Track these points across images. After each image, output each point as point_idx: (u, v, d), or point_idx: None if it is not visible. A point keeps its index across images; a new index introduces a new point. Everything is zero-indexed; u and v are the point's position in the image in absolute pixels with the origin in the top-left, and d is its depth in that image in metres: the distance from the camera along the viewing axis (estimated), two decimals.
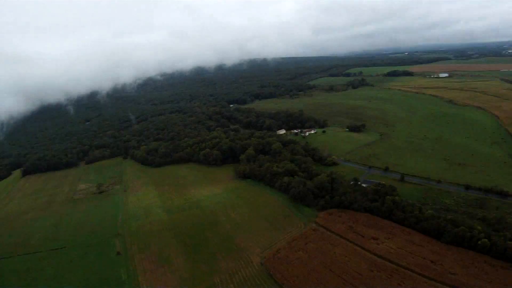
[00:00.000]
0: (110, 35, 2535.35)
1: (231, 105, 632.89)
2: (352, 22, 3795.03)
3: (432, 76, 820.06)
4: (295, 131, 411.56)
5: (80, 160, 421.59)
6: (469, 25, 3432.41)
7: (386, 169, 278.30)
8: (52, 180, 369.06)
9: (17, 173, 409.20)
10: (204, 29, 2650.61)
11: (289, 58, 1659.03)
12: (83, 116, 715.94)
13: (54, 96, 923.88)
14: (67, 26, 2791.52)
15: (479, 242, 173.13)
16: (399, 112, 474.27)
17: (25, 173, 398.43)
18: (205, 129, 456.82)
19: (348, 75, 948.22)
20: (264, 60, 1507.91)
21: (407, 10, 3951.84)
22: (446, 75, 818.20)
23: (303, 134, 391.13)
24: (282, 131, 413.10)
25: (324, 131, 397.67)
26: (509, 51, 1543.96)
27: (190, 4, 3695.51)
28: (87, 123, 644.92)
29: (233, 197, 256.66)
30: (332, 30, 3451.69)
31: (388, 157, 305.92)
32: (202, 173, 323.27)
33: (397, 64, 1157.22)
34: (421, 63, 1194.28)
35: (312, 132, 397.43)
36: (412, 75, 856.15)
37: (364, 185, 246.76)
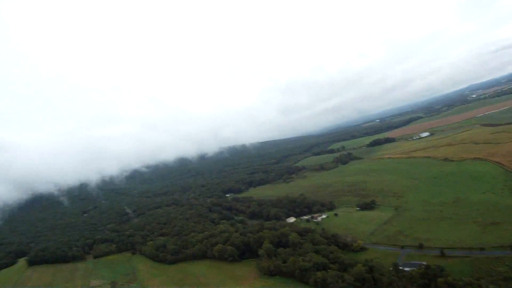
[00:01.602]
0: (83, 127, 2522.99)
1: (227, 195, 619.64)
2: (314, 99, 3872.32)
3: (414, 138, 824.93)
4: (306, 217, 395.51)
5: (86, 254, 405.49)
6: (426, 80, 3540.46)
7: (421, 246, 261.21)
8: (61, 274, 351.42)
9: (22, 262, 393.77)
10: (174, 120, 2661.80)
11: (267, 142, 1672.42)
12: (78, 207, 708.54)
13: (43, 186, 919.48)
14: (36, 117, 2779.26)
15: None
16: (401, 181, 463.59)
17: (31, 263, 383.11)
18: (209, 222, 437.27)
19: (332, 151, 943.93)
20: (243, 146, 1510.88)
21: (362, 78, 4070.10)
22: (427, 134, 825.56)
23: (315, 220, 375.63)
24: (292, 219, 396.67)
25: (336, 214, 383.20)
26: (473, 95, 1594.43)
27: (154, 96, 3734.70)
28: (85, 215, 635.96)
29: None
30: (298, 109, 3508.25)
31: (415, 232, 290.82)
32: (222, 271, 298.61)
33: (374, 132, 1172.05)
34: (396, 127, 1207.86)
35: (324, 216, 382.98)
36: (395, 141, 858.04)
37: (406, 269, 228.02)
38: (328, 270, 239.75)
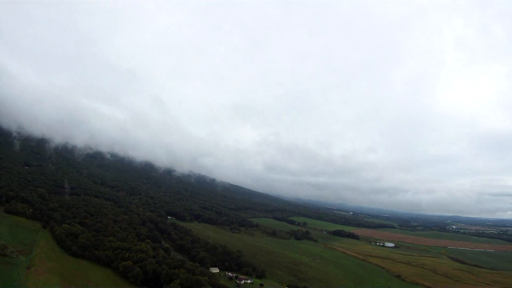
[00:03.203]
0: (79, 90, 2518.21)
1: (169, 217, 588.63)
2: (305, 170, 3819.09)
3: (377, 244, 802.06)
4: (230, 274, 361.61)
5: (0, 205, 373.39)
6: (417, 196, 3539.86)
7: None
8: None
9: None
10: (165, 127, 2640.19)
11: (237, 186, 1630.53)
12: (24, 158, 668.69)
13: (6, 121, 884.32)
14: (55, 61, 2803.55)
15: None
16: (344, 279, 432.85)
17: None
18: (134, 235, 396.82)
19: (292, 222, 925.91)
20: (213, 180, 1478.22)
21: (361, 171, 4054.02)
22: (392, 245, 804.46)
23: (238, 281, 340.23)
24: (216, 270, 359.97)
25: (261, 284, 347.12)
26: (453, 227, 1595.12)
27: (160, 98, 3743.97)
28: (25, 167, 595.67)
29: None
30: (284, 172, 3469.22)
31: None
32: None
33: (342, 222, 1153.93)
34: (366, 226, 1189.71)
35: (248, 282, 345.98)
36: (358, 239, 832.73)
37: None
38: None
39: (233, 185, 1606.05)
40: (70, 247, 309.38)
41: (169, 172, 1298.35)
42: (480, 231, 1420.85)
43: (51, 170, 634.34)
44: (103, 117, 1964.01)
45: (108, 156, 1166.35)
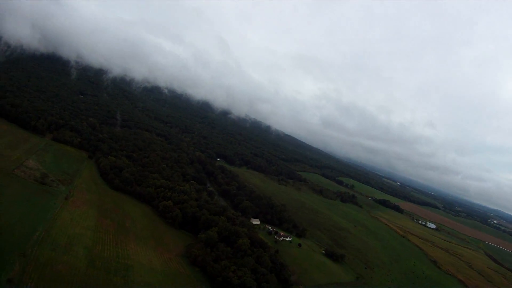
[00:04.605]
0: (143, 24, 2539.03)
1: (218, 160, 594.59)
2: (361, 132, 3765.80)
3: (420, 222, 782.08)
4: (270, 228, 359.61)
5: (49, 132, 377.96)
6: (466, 182, 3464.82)
7: None
8: (10, 136, 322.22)
9: None
10: (226, 69, 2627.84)
11: (291, 137, 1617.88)
12: (81, 87, 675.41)
13: (65, 50, 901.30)
14: None
15: None
16: (381, 253, 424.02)
17: None
18: (180, 174, 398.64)
19: (340, 182, 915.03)
20: (268, 127, 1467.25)
21: (416, 144, 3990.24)
22: (433, 226, 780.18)
23: (277, 237, 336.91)
24: (257, 221, 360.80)
25: (300, 244, 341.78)
26: (495, 221, 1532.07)
27: (226, 40, 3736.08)
28: (80, 96, 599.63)
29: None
30: (339, 130, 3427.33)
31: None
32: (153, 228, 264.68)
33: (389, 192, 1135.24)
34: (411, 201, 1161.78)
35: (287, 239, 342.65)
36: (402, 213, 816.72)
37: None
38: None
39: (287, 135, 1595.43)
40: (112, 180, 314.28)
41: (225, 114, 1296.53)
42: None
43: (105, 100, 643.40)
44: (165, 53, 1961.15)
45: (166, 91, 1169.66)
